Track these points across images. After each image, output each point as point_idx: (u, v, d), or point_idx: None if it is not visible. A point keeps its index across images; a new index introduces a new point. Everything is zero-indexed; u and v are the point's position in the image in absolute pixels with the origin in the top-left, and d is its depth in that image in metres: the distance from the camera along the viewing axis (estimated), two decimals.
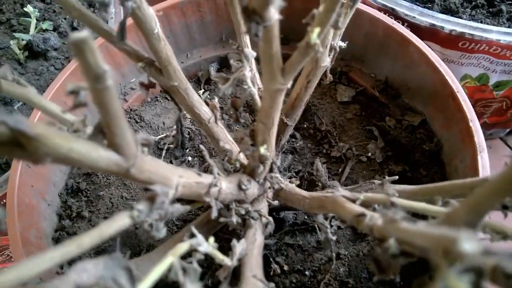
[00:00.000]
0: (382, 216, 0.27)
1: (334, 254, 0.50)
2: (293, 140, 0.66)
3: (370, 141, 0.62)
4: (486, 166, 0.47)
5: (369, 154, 0.60)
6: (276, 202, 0.45)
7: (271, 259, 0.51)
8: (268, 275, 0.51)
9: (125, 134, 0.28)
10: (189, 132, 0.67)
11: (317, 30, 0.32)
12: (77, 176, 0.60)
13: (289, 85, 0.36)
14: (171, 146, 0.66)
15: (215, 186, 0.38)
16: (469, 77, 0.78)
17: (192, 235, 0.34)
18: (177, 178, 0.34)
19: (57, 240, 0.53)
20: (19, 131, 0.22)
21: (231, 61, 0.42)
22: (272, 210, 0.56)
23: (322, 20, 0.32)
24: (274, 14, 0.30)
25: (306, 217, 0.56)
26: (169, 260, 0.28)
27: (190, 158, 0.64)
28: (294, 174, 0.62)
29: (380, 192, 0.44)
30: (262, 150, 0.40)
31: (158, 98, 0.71)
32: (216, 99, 0.46)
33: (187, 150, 0.65)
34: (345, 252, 0.50)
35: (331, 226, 0.53)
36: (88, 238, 0.26)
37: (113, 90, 0.26)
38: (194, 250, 0.33)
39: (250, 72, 0.41)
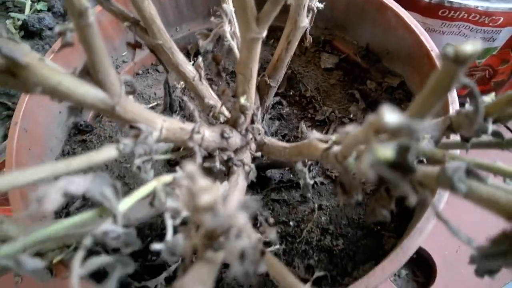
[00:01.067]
0: (340, 135, 0.30)
1: (316, 205, 0.53)
2: (280, 107, 0.69)
3: (352, 104, 0.64)
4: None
5: (351, 116, 0.63)
6: (258, 154, 0.48)
7: (257, 213, 0.54)
8: (255, 228, 0.54)
9: (109, 71, 0.31)
10: (179, 102, 0.69)
11: None
12: (73, 142, 0.63)
13: (264, 35, 0.39)
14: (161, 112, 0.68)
15: (198, 132, 0.41)
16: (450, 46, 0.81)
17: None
18: (161, 121, 0.37)
19: None
20: (12, 58, 0.25)
21: (211, 18, 0.45)
22: (259, 169, 0.59)
23: None
24: None
25: (291, 176, 0.59)
26: (153, 184, 0.31)
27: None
28: (281, 138, 0.65)
29: None
30: (242, 100, 0.43)
31: (149, 71, 0.74)
32: (200, 59, 0.49)
33: (178, 117, 0.67)
34: (326, 203, 0.53)
35: (314, 180, 0.56)
36: (77, 161, 0.29)
37: (96, 28, 0.29)
38: (177, 184, 0.35)
39: (229, 27, 0.44)
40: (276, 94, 0.69)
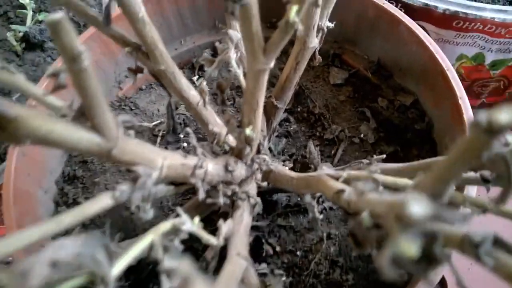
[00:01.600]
0: (355, 189, 0.27)
1: (325, 234, 0.51)
2: (287, 124, 0.66)
3: (362, 123, 0.62)
4: None
5: (362, 136, 0.60)
6: (265, 184, 0.46)
7: (263, 241, 0.52)
8: (261, 256, 0.52)
9: (105, 115, 0.29)
10: (184, 118, 0.67)
11: (295, 7, 0.32)
12: (74, 163, 0.61)
13: (271, 65, 0.36)
14: (165, 132, 0.66)
15: (200, 167, 0.39)
16: (465, 57, 0.78)
17: (178, 216, 0.35)
18: (161, 160, 0.35)
19: None
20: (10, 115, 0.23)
21: (216, 44, 0.43)
22: (265, 193, 0.57)
23: None
24: None
25: (299, 199, 0.57)
26: (149, 237, 0.29)
27: (185, 144, 0.64)
28: (288, 158, 0.63)
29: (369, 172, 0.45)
30: (248, 131, 0.40)
31: (152, 86, 0.71)
32: (205, 83, 0.46)
33: (182, 136, 0.65)
34: (336, 232, 0.51)
35: (323, 206, 0.53)
36: (69, 217, 0.27)
37: (91, 71, 0.27)
38: (178, 230, 0.33)
39: (235, 53, 0.41)
40: (284, 111, 0.67)
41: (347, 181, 0.38)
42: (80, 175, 0.59)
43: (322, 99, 0.65)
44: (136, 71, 0.45)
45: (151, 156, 0.34)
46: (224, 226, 0.38)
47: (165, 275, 0.27)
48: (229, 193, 0.41)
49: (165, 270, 0.27)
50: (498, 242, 0.23)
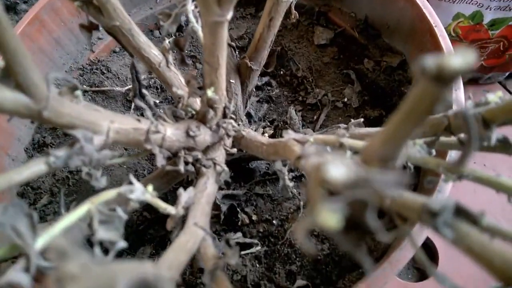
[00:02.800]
0: (303, 153, 0.24)
1: (302, 203, 0.48)
2: (269, 88, 0.63)
3: (347, 86, 0.58)
4: (461, 103, 0.44)
5: (346, 100, 0.57)
6: (234, 150, 0.43)
7: (239, 210, 0.50)
8: (236, 225, 0.50)
9: (30, 72, 0.26)
10: (156, 81, 0.64)
11: None
12: (44, 130, 0.58)
13: (228, 17, 0.32)
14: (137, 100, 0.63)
15: (156, 132, 0.36)
16: (462, 16, 0.73)
17: (130, 183, 0.32)
18: (107, 123, 0.32)
19: (22, 195, 0.52)
20: None
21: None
22: (242, 160, 0.54)
23: None
24: None
25: None
26: (85, 207, 0.27)
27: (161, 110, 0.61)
28: (269, 124, 0.60)
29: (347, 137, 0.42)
30: (210, 93, 0.37)
31: None
32: (167, 41, 0.43)
33: (158, 102, 0.62)
34: None
35: (297, 173, 0.51)
36: None
37: (7, 21, 0.23)
38: (126, 198, 0.31)
39: (193, 6, 0.37)
40: (265, 74, 0.63)
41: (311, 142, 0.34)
42: (49, 142, 0.56)
43: (306, 61, 0.61)
44: (89, 28, 0.42)
45: (94, 119, 0.31)
46: (184, 195, 0.36)
47: (98, 247, 0.25)
48: (191, 160, 0.38)
49: (98, 242, 0.25)
50: (460, 212, 0.20)
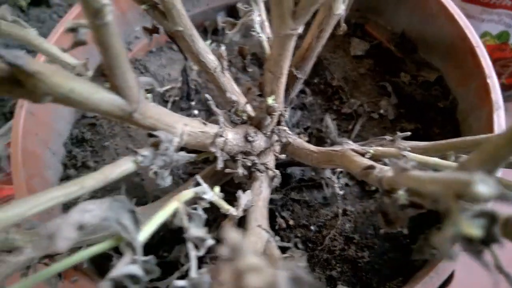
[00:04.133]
0: (393, 167, 0.26)
1: (340, 210, 0.50)
2: (303, 95, 0.64)
3: (382, 98, 0.60)
4: (502, 125, 0.45)
5: (381, 111, 0.58)
6: (283, 156, 0.44)
7: (276, 214, 0.51)
8: (274, 229, 0.51)
9: (128, 75, 0.27)
10: (195, 84, 0.65)
11: None
12: (82, 126, 0.59)
13: (300, 31, 0.34)
14: (177, 98, 0.64)
15: (221, 136, 0.37)
16: (488, 35, 0.75)
17: (198, 184, 0.34)
18: (181, 126, 0.33)
19: None
20: (18, 67, 0.21)
21: (238, 5, 0.40)
22: (279, 166, 0.55)
23: None
24: None
25: (313, 173, 0.56)
26: (173, 205, 0.28)
27: (196, 112, 0.62)
28: (303, 131, 0.61)
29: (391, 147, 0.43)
30: (270, 100, 0.38)
31: (163, 49, 0.69)
32: (223, 48, 0.44)
33: (193, 103, 0.63)
34: (351, 209, 0.50)
35: (337, 177, 0.52)
36: (92, 180, 0.25)
37: (114, 27, 0.24)
38: (199, 198, 0.32)
39: (259, 17, 0.39)
40: None
41: (373, 158, 0.36)
42: (88, 138, 0.57)
43: (341, 71, 0.63)
44: (152, 31, 0.43)
45: (172, 122, 0.33)
46: (244, 197, 0.37)
47: (192, 243, 0.26)
48: (249, 164, 0.39)
49: (192, 238, 0.26)
50: None
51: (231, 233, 0.15)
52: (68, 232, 0.21)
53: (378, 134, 0.58)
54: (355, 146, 0.37)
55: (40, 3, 0.80)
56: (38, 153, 0.52)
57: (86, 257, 0.23)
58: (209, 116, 0.61)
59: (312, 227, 0.50)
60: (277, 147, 0.44)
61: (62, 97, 0.24)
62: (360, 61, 0.63)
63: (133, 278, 0.22)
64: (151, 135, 0.30)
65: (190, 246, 0.26)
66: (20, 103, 0.51)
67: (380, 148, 0.36)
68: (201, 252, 0.26)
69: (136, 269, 0.22)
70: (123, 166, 0.28)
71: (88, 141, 0.57)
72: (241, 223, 0.39)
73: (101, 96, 0.26)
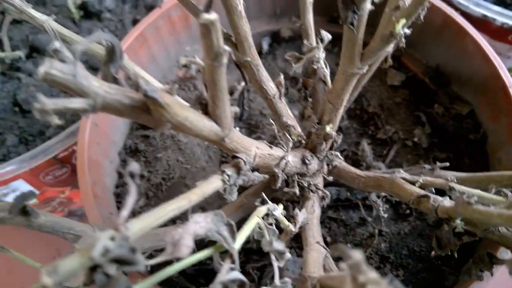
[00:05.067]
0: (456, 199, 0.30)
1: (376, 231, 0.54)
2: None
3: (416, 127, 0.64)
4: None
5: (415, 139, 0.62)
6: (331, 178, 0.48)
7: None
8: None
9: (226, 107, 0.31)
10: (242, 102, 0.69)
11: (403, 21, 0.34)
12: (135, 137, 0.64)
13: (365, 70, 0.38)
14: None
15: (283, 158, 0.41)
16: None
17: (263, 202, 0.38)
18: (255, 149, 0.38)
19: (117, 195, 0.58)
20: (153, 99, 0.26)
21: (305, 41, 0.45)
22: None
23: (409, 12, 0.33)
24: (368, 5, 0.32)
25: (348, 194, 0.59)
26: (255, 220, 0.32)
27: (238, 129, 0.67)
28: (339, 153, 0.65)
29: (432, 176, 0.47)
30: (328, 129, 0.43)
31: None
32: (282, 76, 0.48)
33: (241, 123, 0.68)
34: (386, 230, 0.54)
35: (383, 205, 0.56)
36: (195, 196, 0.30)
37: (225, 68, 0.29)
38: (267, 214, 0.36)
39: (323, 53, 0.43)
40: None
41: (421, 187, 0.40)
42: (142, 149, 0.62)
43: (377, 98, 0.67)
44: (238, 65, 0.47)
45: (248, 145, 0.37)
46: (301, 215, 0.41)
47: (274, 256, 0.30)
48: (305, 184, 0.43)
49: (274, 251, 0.30)
50: None
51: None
52: (188, 240, 0.25)
53: (411, 161, 0.62)
54: (405, 174, 0.41)
55: (92, 16, 0.85)
56: (100, 161, 0.56)
57: (188, 264, 0.28)
58: (249, 133, 0.66)
59: (348, 245, 0.54)
60: (325, 169, 0.49)
61: (178, 124, 0.29)
62: (395, 91, 0.68)
63: (237, 282, 0.26)
64: (234, 157, 0.34)
65: (272, 257, 0.30)
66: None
67: (428, 178, 0.40)
68: (282, 264, 0.30)
69: (240, 275, 0.26)
70: (214, 184, 0.32)
71: (142, 151, 0.62)
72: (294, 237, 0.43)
73: (203, 124, 0.31)
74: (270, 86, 0.48)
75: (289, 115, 0.50)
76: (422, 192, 0.36)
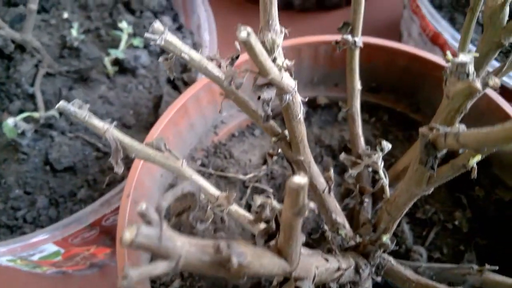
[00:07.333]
0: None
1: None
2: None
3: (457, 209, 0.62)
4: None
5: (456, 223, 0.61)
6: (379, 279, 0.47)
7: None
8: None
9: (297, 247, 0.31)
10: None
11: (477, 157, 0.33)
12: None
13: (429, 193, 0.38)
14: (256, 184, 0.68)
15: (339, 270, 0.40)
16: None
17: None
18: (314, 269, 0.37)
19: (153, 281, 0.57)
20: (240, 263, 0.25)
21: (360, 149, 0.44)
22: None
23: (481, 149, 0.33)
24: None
25: None
26: None
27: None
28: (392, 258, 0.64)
29: (479, 280, 0.46)
30: (385, 238, 0.42)
31: (245, 133, 0.73)
32: (332, 170, 0.48)
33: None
34: None
35: None
36: None
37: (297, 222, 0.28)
38: None
39: (382, 162, 0.43)
40: None
41: None
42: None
43: None
44: (271, 155, 0.47)
45: (309, 267, 0.36)
46: None
47: None
48: None
49: None
50: None
51: None
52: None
53: (451, 244, 0.60)
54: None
55: (126, 72, 0.85)
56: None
57: None
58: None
59: None
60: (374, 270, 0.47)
61: (254, 273, 0.28)
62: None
63: None
64: (296, 279, 0.33)
65: None
66: (127, 191, 0.55)
67: None
68: None
69: None
70: None
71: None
72: None
73: (274, 263, 0.30)
74: (321, 181, 0.47)
75: (338, 211, 0.49)
76: None
